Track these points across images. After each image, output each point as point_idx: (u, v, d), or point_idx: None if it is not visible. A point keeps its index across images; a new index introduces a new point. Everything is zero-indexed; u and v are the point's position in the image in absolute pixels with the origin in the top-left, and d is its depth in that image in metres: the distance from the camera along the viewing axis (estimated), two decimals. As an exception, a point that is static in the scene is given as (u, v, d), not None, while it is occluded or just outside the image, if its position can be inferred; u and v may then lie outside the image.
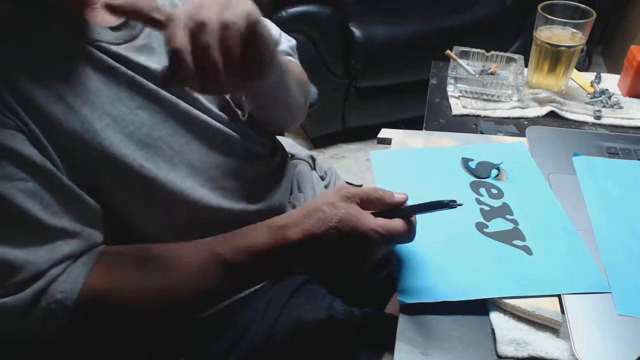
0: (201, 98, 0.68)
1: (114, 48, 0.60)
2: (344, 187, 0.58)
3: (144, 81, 0.62)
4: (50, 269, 0.54)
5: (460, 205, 0.55)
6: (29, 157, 0.53)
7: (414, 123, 1.92)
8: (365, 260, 0.58)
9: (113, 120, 0.59)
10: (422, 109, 0.96)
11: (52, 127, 0.55)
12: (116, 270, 0.58)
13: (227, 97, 0.73)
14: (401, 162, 0.80)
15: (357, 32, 1.86)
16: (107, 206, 0.61)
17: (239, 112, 0.74)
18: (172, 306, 0.60)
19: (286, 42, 0.86)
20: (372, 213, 0.57)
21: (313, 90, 1.11)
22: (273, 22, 0.75)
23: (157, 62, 0.64)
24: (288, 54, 0.85)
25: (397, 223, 0.55)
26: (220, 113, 0.71)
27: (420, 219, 0.70)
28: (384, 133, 0.87)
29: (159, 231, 0.65)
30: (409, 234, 0.56)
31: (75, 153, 0.57)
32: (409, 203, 0.59)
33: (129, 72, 0.61)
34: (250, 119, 0.76)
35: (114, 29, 0.61)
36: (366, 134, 2.13)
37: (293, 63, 0.85)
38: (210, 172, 0.68)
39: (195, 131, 0.67)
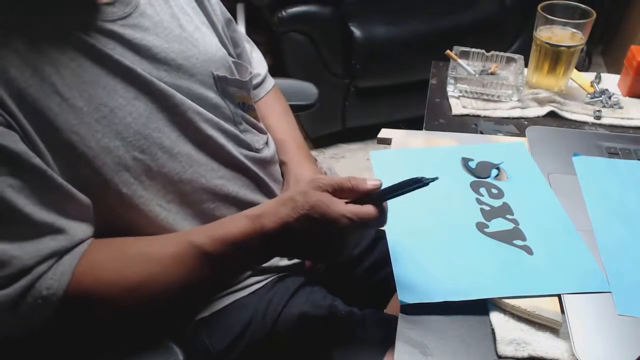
0: (196, 88, 0.68)
1: (109, 26, 0.61)
2: (318, 177, 0.59)
3: (139, 71, 0.62)
4: (37, 265, 0.55)
5: (434, 180, 0.54)
6: (19, 154, 0.53)
7: (414, 123, 1.91)
8: (340, 246, 0.58)
9: (110, 111, 0.59)
10: (422, 109, 0.96)
11: (46, 121, 0.56)
12: (100, 266, 0.58)
13: (224, 91, 0.73)
14: (401, 162, 0.80)
15: (357, 32, 1.86)
16: (102, 198, 0.61)
17: (232, 104, 0.75)
18: (155, 298, 0.60)
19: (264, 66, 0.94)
20: (346, 202, 0.57)
21: (313, 91, 1.11)
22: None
23: (150, 41, 0.64)
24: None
25: (367, 208, 0.55)
26: (217, 102, 0.71)
27: (421, 218, 0.70)
28: (384, 133, 0.88)
29: (156, 221, 0.65)
30: (379, 219, 0.56)
31: (69, 146, 0.57)
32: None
33: (125, 63, 0.61)
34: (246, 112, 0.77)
35: (109, 4, 0.62)
36: (366, 134, 2.13)
37: (280, 97, 0.94)
38: (209, 163, 0.69)
39: (190, 122, 0.67)
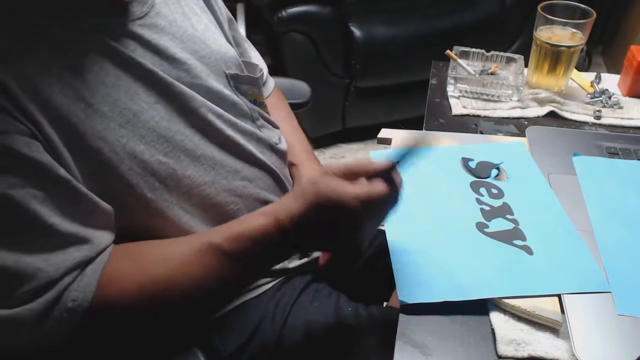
0: (214, 87, 0.68)
1: (128, 26, 0.60)
2: (327, 165, 0.59)
3: (160, 73, 0.61)
4: (62, 277, 0.54)
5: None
6: (42, 164, 0.53)
7: (414, 123, 1.92)
8: (357, 232, 0.58)
9: (134, 115, 0.59)
10: (422, 109, 0.96)
11: (71, 128, 0.55)
12: (123, 273, 0.58)
13: (240, 89, 0.73)
14: (401, 162, 0.80)
15: (357, 32, 1.86)
16: (126, 204, 0.60)
17: (247, 101, 0.75)
18: (179, 302, 0.60)
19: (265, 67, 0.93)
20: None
21: (306, 89, 1.11)
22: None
23: (166, 41, 0.63)
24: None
25: (376, 184, 0.54)
26: (234, 99, 0.71)
27: (421, 218, 0.70)
28: (384, 133, 0.88)
29: (178, 224, 0.65)
30: (392, 195, 0.55)
31: (95, 153, 0.56)
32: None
33: (146, 65, 0.60)
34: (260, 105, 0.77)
35: (127, 4, 0.61)
36: (366, 134, 2.13)
37: (284, 102, 0.95)
38: (232, 164, 0.69)
39: (211, 123, 0.67)
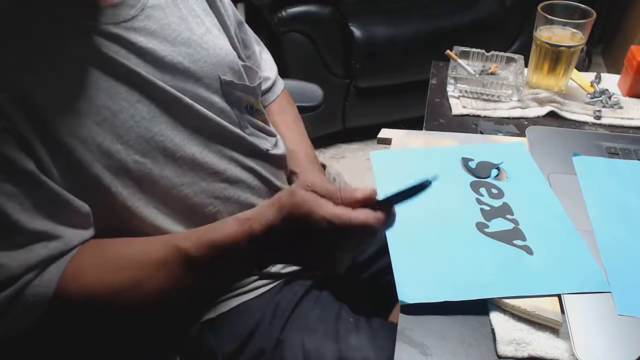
0: (201, 92, 0.68)
1: (113, 29, 0.60)
2: (309, 179, 0.58)
3: (143, 74, 0.61)
4: (25, 273, 0.54)
5: (434, 179, 0.51)
6: (13, 160, 0.53)
7: (414, 123, 1.92)
8: (324, 252, 0.56)
9: (112, 114, 0.59)
10: (422, 109, 0.96)
11: (45, 124, 0.55)
12: (85, 272, 0.58)
13: (235, 94, 0.73)
14: (401, 162, 0.80)
15: (357, 32, 1.86)
16: (103, 202, 0.60)
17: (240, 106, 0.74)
18: (138, 303, 0.60)
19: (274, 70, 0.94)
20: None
21: (318, 92, 1.09)
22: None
23: (155, 44, 0.63)
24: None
25: (358, 213, 0.51)
26: (223, 106, 0.70)
27: (421, 218, 0.70)
28: (384, 133, 0.87)
29: (154, 224, 0.65)
30: (368, 227, 0.51)
31: (69, 150, 0.57)
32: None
33: (129, 66, 0.60)
34: (255, 113, 0.77)
35: (114, 6, 0.61)
36: (366, 134, 2.13)
37: (292, 106, 0.94)
38: (213, 166, 0.68)
39: (195, 125, 0.67)
